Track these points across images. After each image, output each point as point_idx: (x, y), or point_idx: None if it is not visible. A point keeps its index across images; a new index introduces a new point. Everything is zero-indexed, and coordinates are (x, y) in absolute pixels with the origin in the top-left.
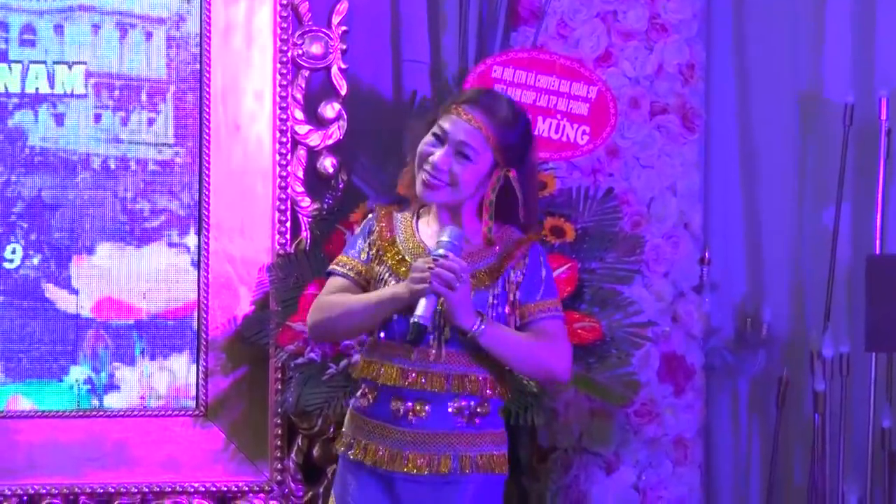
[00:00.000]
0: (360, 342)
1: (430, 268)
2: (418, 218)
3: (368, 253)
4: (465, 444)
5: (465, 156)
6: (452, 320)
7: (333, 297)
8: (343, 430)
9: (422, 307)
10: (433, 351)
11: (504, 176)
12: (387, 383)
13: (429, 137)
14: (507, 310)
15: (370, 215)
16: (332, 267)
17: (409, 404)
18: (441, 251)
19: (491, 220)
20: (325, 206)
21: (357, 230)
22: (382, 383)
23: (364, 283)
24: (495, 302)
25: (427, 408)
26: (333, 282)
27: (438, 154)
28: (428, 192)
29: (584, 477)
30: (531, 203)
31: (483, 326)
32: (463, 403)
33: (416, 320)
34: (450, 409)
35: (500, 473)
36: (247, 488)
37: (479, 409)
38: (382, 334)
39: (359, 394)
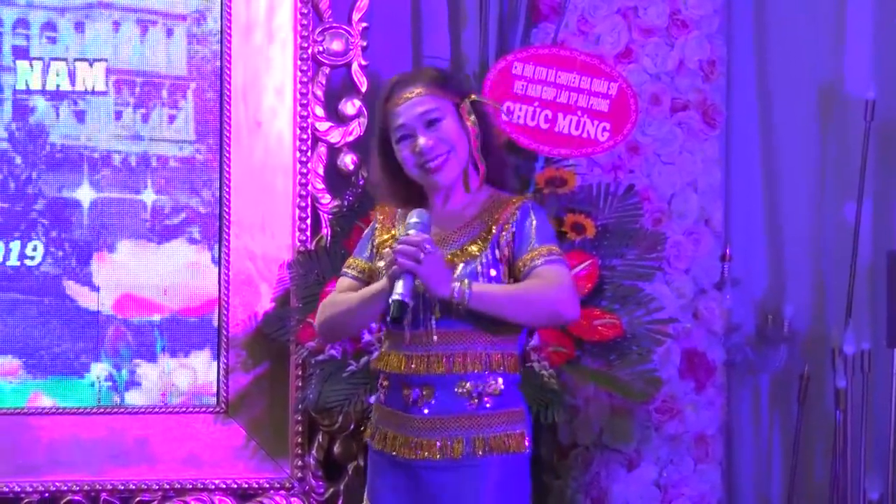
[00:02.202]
0: (380, 339)
1: (394, 249)
2: (420, 205)
3: (371, 251)
4: (477, 426)
5: (435, 120)
6: (431, 293)
7: (337, 297)
8: (370, 421)
9: (399, 287)
10: (433, 336)
11: (471, 101)
12: (394, 371)
13: (397, 145)
14: (496, 273)
15: (374, 218)
16: (343, 267)
17: (417, 391)
18: (408, 232)
19: (480, 155)
20: (346, 202)
21: (365, 233)
22: (391, 371)
23: (369, 280)
24: (483, 270)
25: (434, 393)
26: (342, 282)
27: (419, 140)
28: (439, 175)
29: (605, 474)
30: (490, 139)
31: (467, 291)
32: (469, 385)
33: (393, 298)
34: (457, 392)
35: (517, 452)
36: (267, 485)
37: (487, 389)
38: (384, 323)
39: (378, 384)
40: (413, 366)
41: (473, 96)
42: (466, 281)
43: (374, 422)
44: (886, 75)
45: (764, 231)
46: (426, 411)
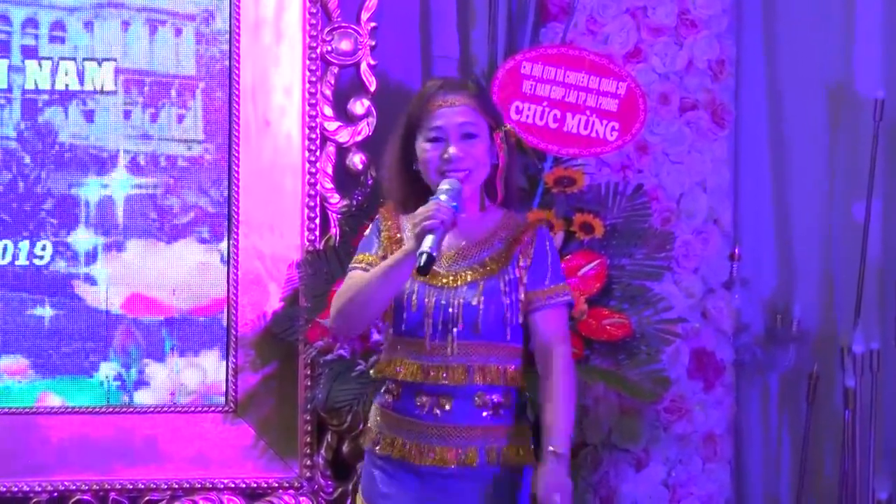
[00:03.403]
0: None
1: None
2: None
3: (379, 247)
4: (492, 437)
5: (471, 135)
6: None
7: (348, 283)
8: (369, 425)
9: (428, 241)
10: (453, 347)
11: (506, 131)
12: (408, 380)
13: (426, 144)
14: (515, 297)
15: (377, 216)
16: (350, 266)
17: (434, 399)
18: (440, 197)
19: (502, 183)
20: (355, 202)
21: (367, 232)
22: (403, 380)
23: None
24: (507, 289)
25: (452, 401)
26: (352, 276)
27: (450, 148)
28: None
29: (614, 473)
30: (512, 170)
31: (560, 452)
32: (487, 397)
33: (422, 251)
34: (475, 402)
35: (527, 465)
36: (276, 485)
37: (503, 401)
38: (392, 330)
39: (382, 390)
40: (431, 375)
41: (508, 126)
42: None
43: (379, 428)
44: None
45: (773, 230)
46: (443, 419)
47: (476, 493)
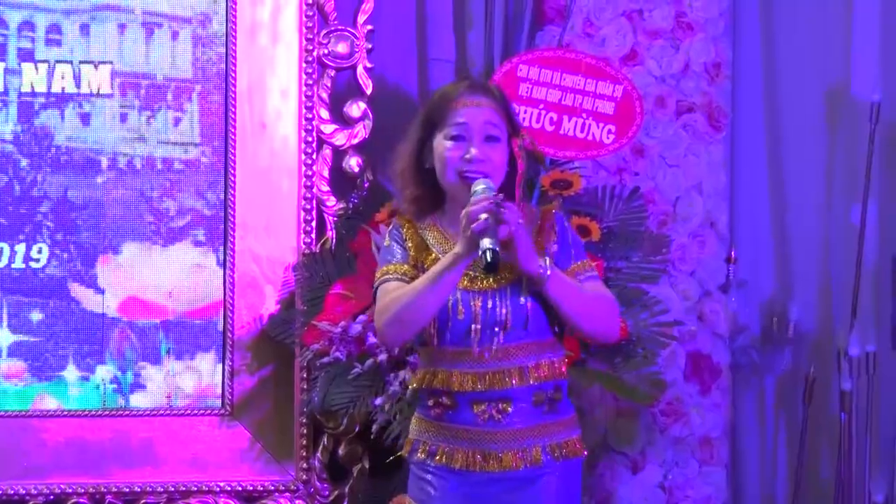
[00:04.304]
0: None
1: (472, 209)
2: (440, 222)
3: (405, 253)
4: (551, 433)
5: (494, 138)
6: (520, 257)
7: (394, 294)
8: (412, 437)
9: (486, 242)
10: (498, 350)
11: (523, 137)
12: (460, 390)
13: (447, 142)
14: None
15: (392, 225)
16: (379, 279)
17: (493, 404)
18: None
19: (520, 188)
20: (351, 205)
21: (386, 243)
22: (455, 390)
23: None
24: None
25: (511, 405)
26: (386, 287)
27: (472, 149)
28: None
29: (610, 476)
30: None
31: (549, 269)
32: (542, 394)
33: (487, 247)
34: (534, 401)
35: (581, 456)
36: (272, 488)
37: (557, 396)
38: (436, 342)
39: (430, 403)
40: (485, 382)
41: (525, 135)
42: (549, 260)
43: (430, 439)
44: (893, 78)
45: (769, 233)
46: (504, 424)
47: (544, 490)
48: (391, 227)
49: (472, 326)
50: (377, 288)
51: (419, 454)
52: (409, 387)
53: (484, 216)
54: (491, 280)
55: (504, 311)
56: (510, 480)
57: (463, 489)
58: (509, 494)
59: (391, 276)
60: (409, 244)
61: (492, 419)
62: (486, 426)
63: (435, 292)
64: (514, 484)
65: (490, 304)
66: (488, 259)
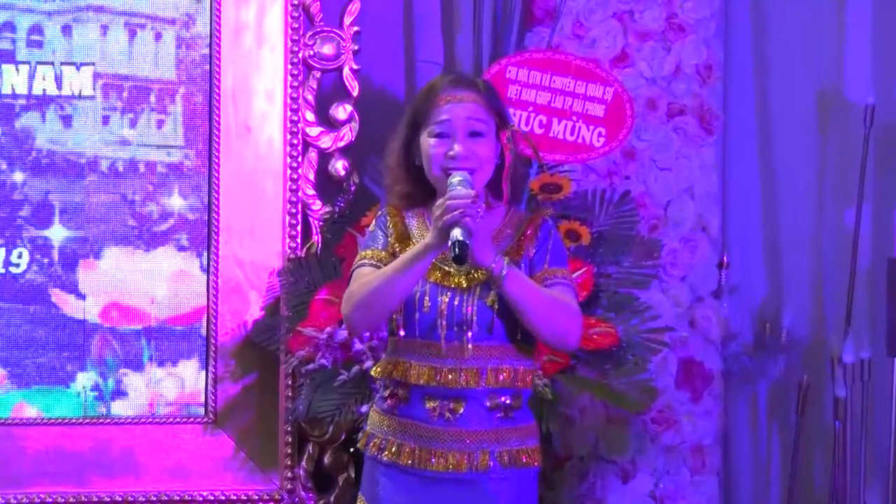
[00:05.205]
0: (372, 347)
1: (445, 203)
2: (426, 213)
3: (387, 240)
4: (503, 440)
5: (479, 133)
6: (475, 253)
7: (364, 279)
8: (368, 431)
9: (457, 232)
10: (467, 349)
11: (512, 131)
12: (416, 383)
13: (431, 139)
14: None
15: (380, 212)
16: (356, 263)
17: (445, 403)
18: (456, 188)
19: (508, 183)
20: (337, 209)
21: (371, 229)
22: (411, 383)
23: None
24: None
25: (464, 405)
26: (361, 272)
27: (455, 146)
28: None
29: (601, 485)
30: (517, 168)
31: (507, 267)
32: (499, 399)
33: (457, 239)
34: (487, 405)
35: (534, 466)
36: (256, 497)
37: (514, 403)
38: (403, 332)
39: (385, 394)
40: (442, 378)
41: (515, 127)
42: (508, 259)
43: (382, 432)
44: (886, 80)
45: (762, 238)
46: (454, 424)
47: (488, 498)
48: (379, 213)
49: (438, 321)
50: (352, 272)
51: (371, 448)
52: (371, 372)
53: (453, 209)
54: (462, 278)
55: (469, 310)
56: (455, 482)
57: (409, 486)
58: (454, 496)
59: (366, 262)
60: (392, 232)
61: (442, 417)
62: (437, 424)
63: (401, 280)
64: (460, 486)
65: (457, 302)
66: (456, 251)
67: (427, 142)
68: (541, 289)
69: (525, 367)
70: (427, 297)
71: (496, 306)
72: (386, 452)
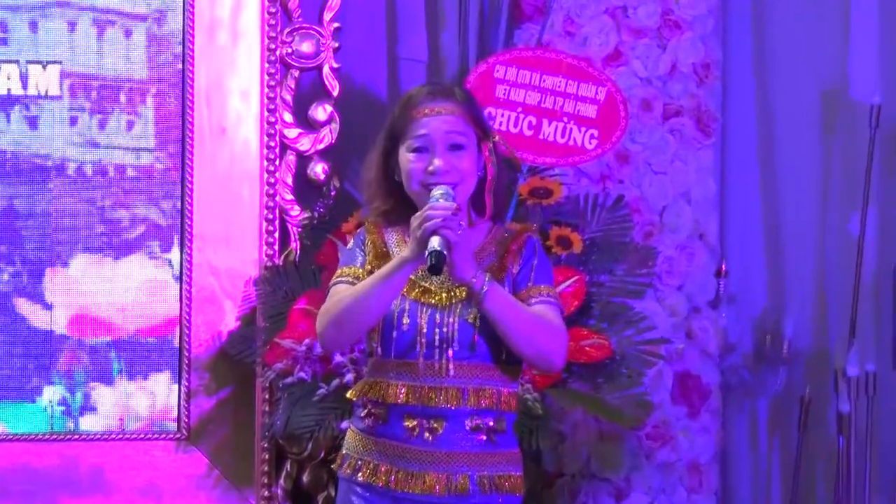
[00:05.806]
0: (353, 360)
1: (424, 213)
2: (405, 230)
3: (364, 259)
4: (483, 464)
5: (459, 146)
6: (454, 268)
7: (339, 295)
8: (344, 451)
9: (434, 242)
10: (448, 368)
11: (494, 142)
12: (397, 401)
13: (409, 154)
14: None
15: (360, 229)
16: (333, 279)
17: (425, 422)
18: (438, 200)
19: (490, 196)
20: (316, 214)
21: (349, 245)
22: (389, 402)
23: None
24: None
25: (444, 425)
26: (338, 289)
27: (435, 160)
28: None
29: None
30: (500, 183)
31: (488, 284)
32: (479, 420)
33: (433, 249)
34: (467, 427)
35: (516, 494)
36: None
37: (497, 426)
38: (380, 351)
39: (362, 413)
40: (420, 397)
41: (497, 138)
42: (489, 276)
43: (357, 452)
44: (893, 78)
45: (762, 245)
46: (433, 444)
47: None
48: (358, 231)
49: (417, 339)
50: (328, 290)
51: (346, 469)
52: (348, 394)
53: (432, 221)
54: (444, 296)
55: (448, 328)
56: None
57: None
58: None
59: (342, 280)
60: (370, 250)
61: (421, 437)
62: (415, 443)
63: (375, 297)
64: None
65: (438, 319)
66: (432, 261)
67: (406, 157)
68: (524, 307)
69: (509, 391)
70: (406, 315)
71: (478, 324)
72: (361, 473)
